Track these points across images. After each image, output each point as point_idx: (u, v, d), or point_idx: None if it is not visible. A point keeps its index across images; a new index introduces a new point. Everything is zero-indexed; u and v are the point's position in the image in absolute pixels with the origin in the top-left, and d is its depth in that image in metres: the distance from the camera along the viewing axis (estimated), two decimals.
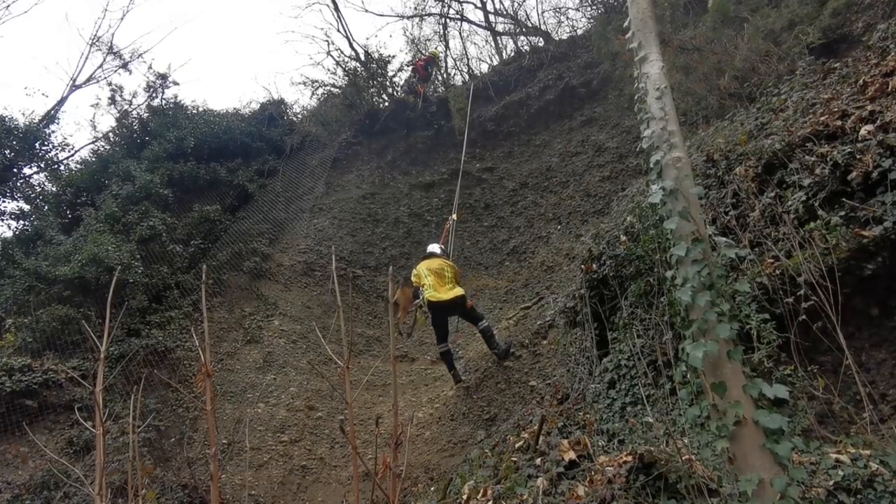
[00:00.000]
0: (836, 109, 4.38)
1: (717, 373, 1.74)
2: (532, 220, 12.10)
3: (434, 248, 7.93)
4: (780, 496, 1.49)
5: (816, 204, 3.80)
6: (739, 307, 3.02)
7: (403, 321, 9.06)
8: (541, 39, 15.73)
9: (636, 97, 2.10)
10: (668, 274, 1.82)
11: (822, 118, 4.40)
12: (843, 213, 3.63)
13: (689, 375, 1.78)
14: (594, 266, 5.34)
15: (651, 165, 1.91)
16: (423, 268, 7.32)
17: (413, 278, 7.43)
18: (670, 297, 1.86)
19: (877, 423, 3.15)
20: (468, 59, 18.76)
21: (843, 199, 3.70)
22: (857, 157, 3.75)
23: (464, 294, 7.12)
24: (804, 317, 3.31)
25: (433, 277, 7.12)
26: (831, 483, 2.66)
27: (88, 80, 15.95)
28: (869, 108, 4.03)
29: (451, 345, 7.44)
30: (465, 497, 3.63)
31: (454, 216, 9.94)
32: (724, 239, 1.90)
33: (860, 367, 3.51)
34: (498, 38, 17.69)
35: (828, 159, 3.91)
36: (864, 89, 4.49)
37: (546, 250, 11.21)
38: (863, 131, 3.86)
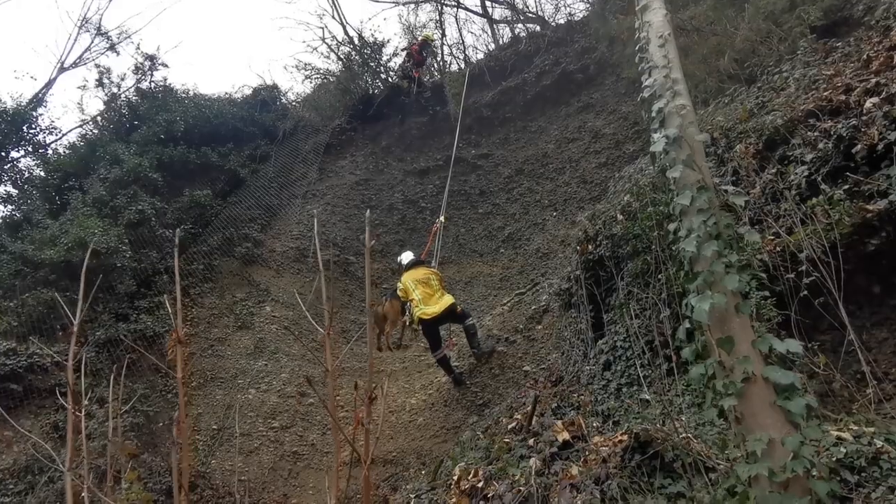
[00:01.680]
0: (839, 84, 4.27)
1: (723, 328, 1.62)
2: (528, 206, 11.97)
3: (410, 256, 7.63)
4: (793, 456, 1.38)
5: (819, 179, 3.69)
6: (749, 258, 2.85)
7: (391, 336, 8.79)
8: (538, 27, 15.52)
9: (637, 47, 1.96)
10: (672, 226, 1.70)
11: (825, 93, 4.28)
12: (846, 188, 3.52)
13: (693, 333, 1.65)
14: (590, 247, 5.23)
15: (653, 114, 1.78)
16: (409, 280, 6.99)
17: (400, 293, 7.14)
18: (674, 252, 1.73)
19: (882, 401, 3.06)
20: (465, 48, 18.48)
21: (847, 174, 3.59)
22: (862, 129, 3.64)
23: (454, 301, 6.87)
24: (805, 292, 3.21)
25: (421, 289, 6.82)
26: (833, 460, 2.57)
27: (76, 62, 15.61)
28: (874, 80, 3.91)
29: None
30: (455, 478, 3.53)
31: (442, 219, 9.57)
32: (732, 188, 1.78)
33: (861, 346, 3.41)
34: (495, 25, 17.46)
35: (831, 133, 3.80)
36: (869, 64, 4.37)
37: (542, 237, 11.10)
38: (868, 104, 3.75)
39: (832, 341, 3.63)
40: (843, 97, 4.07)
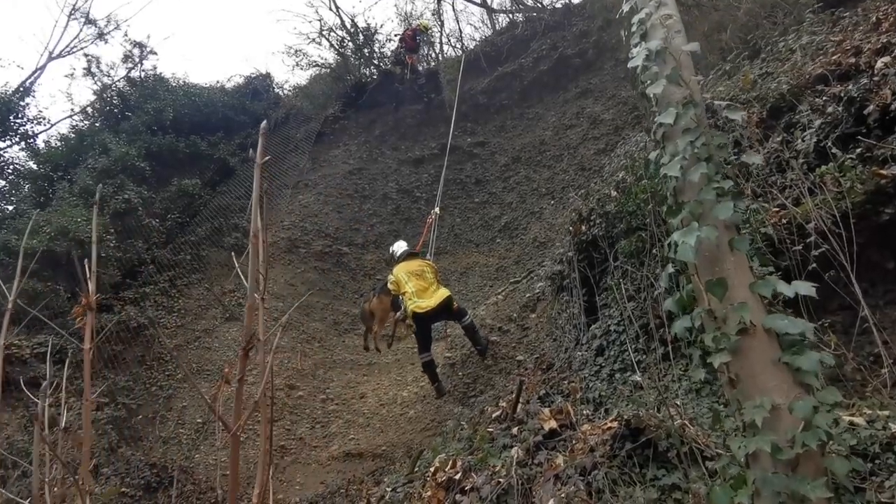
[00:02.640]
0: (848, 47, 3.97)
1: (714, 269, 1.33)
2: (524, 195, 11.67)
3: (403, 246, 7.14)
4: (804, 426, 1.08)
5: (829, 145, 3.39)
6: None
7: (379, 334, 8.37)
8: (535, 14, 15.17)
9: None
10: (653, 154, 1.41)
11: (833, 57, 3.99)
12: (858, 152, 3.23)
13: (678, 280, 1.35)
14: (583, 227, 4.95)
15: (633, 28, 1.49)
16: (401, 272, 6.47)
17: (391, 286, 6.61)
18: (655, 180, 1.43)
19: None
20: (462, 38, 18.13)
21: (859, 138, 3.30)
22: (874, 91, 3.34)
23: (451, 295, 6.39)
24: (814, 265, 2.92)
25: (415, 281, 6.33)
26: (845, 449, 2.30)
27: (65, 51, 15.34)
28: (884, 39, 3.61)
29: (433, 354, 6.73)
30: (433, 469, 3.26)
31: (437, 209, 9.16)
32: (725, 102, 1.49)
33: (876, 324, 3.14)
34: (493, 15, 17.10)
35: (841, 96, 3.50)
36: (878, 25, 4.07)
37: (539, 226, 10.81)
38: (879, 64, 3.45)
39: (843, 322, 3.36)
40: (852, 60, 3.78)
